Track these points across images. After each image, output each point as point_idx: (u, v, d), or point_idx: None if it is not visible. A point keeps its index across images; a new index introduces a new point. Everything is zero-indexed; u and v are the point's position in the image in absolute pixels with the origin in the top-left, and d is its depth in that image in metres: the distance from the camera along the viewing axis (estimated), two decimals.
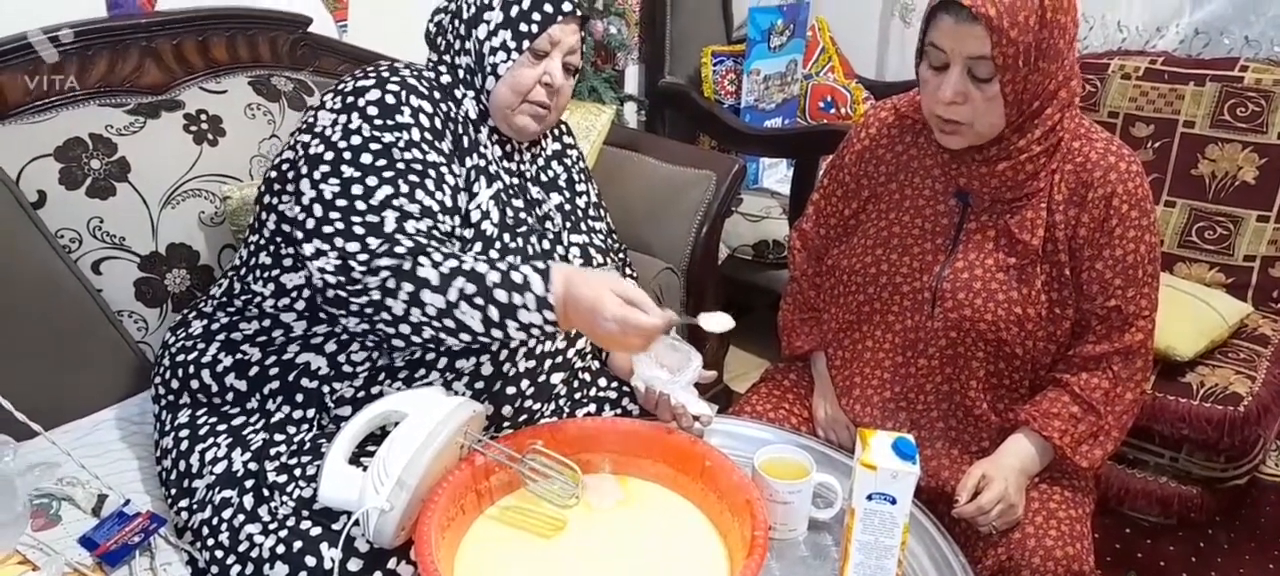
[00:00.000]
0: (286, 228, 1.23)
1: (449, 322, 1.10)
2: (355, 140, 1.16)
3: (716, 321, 1.14)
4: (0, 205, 1.36)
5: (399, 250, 1.11)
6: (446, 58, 1.29)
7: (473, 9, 1.26)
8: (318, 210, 1.14)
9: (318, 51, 1.82)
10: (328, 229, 1.12)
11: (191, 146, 1.54)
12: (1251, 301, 2.08)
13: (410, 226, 1.13)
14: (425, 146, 1.19)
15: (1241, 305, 2.03)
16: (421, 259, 1.10)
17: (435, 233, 1.16)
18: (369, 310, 1.11)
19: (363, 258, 1.10)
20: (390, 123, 1.17)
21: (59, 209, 1.40)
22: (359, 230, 1.12)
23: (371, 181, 1.14)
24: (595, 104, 2.24)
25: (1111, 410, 1.29)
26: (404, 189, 1.15)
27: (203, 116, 1.57)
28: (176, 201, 1.50)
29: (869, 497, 1.03)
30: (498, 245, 1.25)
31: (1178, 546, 1.93)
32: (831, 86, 2.77)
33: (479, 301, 1.09)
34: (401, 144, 1.17)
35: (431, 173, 1.19)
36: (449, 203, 1.21)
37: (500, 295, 1.09)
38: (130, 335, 1.48)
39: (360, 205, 1.13)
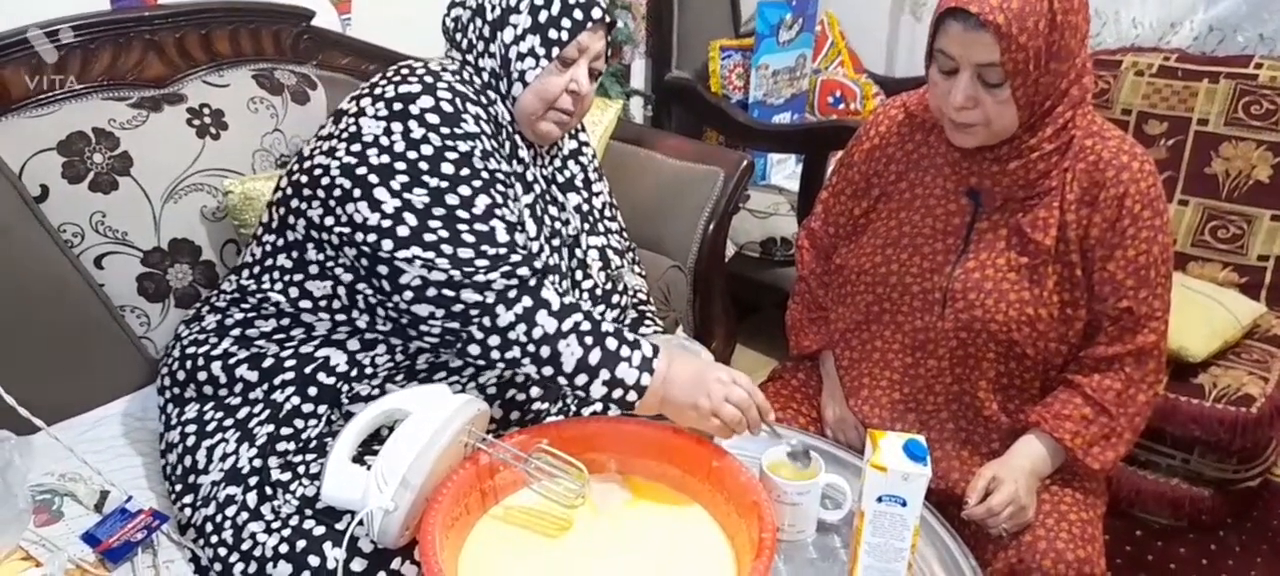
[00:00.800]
0: (317, 234, 1.21)
1: (545, 351, 1.10)
2: (426, 149, 1.14)
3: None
4: (3, 200, 1.35)
5: (525, 261, 1.11)
6: (469, 58, 1.27)
7: (497, 11, 1.23)
8: (410, 219, 1.11)
9: (321, 45, 1.81)
10: (430, 237, 1.11)
11: (194, 140, 1.53)
12: (1265, 302, 2.06)
13: (519, 237, 1.14)
14: (497, 156, 1.19)
15: (1255, 305, 2.02)
16: (549, 279, 1.12)
17: (531, 246, 1.15)
18: (474, 311, 1.09)
19: (482, 262, 1.10)
20: (458, 131, 1.16)
21: (61, 203, 1.40)
22: (469, 238, 1.11)
23: (464, 191, 1.13)
24: (601, 99, 2.23)
25: (1124, 412, 1.28)
26: (498, 198, 1.15)
27: (205, 110, 1.56)
28: (179, 196, 1.50)
29: (879, 499, 1.02)
30: (543, 257, 1.24)
31: (1189, 549, 1.92)
32: (840, 81, 2.76)
33: (588, 341, 1.11)
34: (478, 153, 1.16)
35: (511, 183, 1.19)
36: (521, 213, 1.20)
37: (610, 343, 1.11)
38: (133, 330, 1.47)
39: (461, 214, 1.12)
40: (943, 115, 1.24)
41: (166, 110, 1.53)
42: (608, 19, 1.26)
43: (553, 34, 1.22)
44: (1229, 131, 2.10)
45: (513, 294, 1.10)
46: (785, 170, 2.73)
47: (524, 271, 1.11)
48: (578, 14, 1.22)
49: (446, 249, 1.10)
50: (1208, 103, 2.12)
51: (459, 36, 1.28)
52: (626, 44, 2.57)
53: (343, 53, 1.84)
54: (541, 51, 1.22)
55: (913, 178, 1.35)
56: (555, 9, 1.22)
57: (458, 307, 1.10)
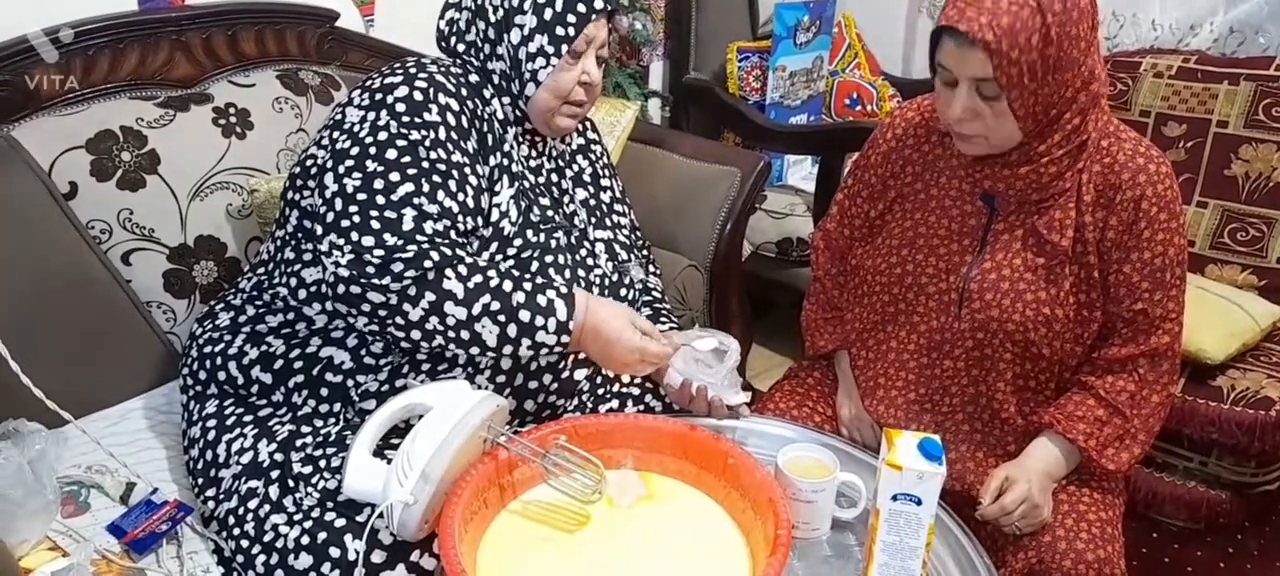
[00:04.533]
0: (307, 223, 1.23)
1: (465, 335, 1.13)
2: (381, 136, 1.16)
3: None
4: (33, 196, 1.38)
5: (420, 256, 1.11)
6: (474, 61, 1.28)
7: (500, 12, 1.24)
8: (338, 204, 1.14)
9: (345, 46, 1.83)
10: (345, 223, 1.13)
11: (220, 139, 1.55)
12: None
13: (428, 227, 1.14)
14: (450, 146, 1.19)
15: (1274, 308, 2.00)
16: (448, 271, 1.12)
17: (451, 234, 1.16)
18: (382, 312, 1.11)
19: (378, 254, 1.11)
20: (417, 120, 1.17)
21: (90, 200, 1.42)
22: (375, 225, 1.12)
23: (394, 177, 1.14)
24: (620, 100, 2.24)
25: (1138, 413, 1.28)
26: (426, 188, 1.15)
27: (231, 110, 1.58)
28: (205, 194, 1.52)
29: (894, 498, 1.02)
30: (516, 243, 1.25)
31: (1206, 552, 1.91)
32: (857, 83, 2.75)
33: (501, 318, 1.13)
34: (427, 142, 1.17)
35: (454, 173, 1.19)
36: (471, 203, 1.21)
37: (523, 315, 1.14)
38: (159, 325, 1.49)
39: (380, 200, 1.13)
40: (947, 125, 1.24)
41: (193, 110, 1.55)
42: (609, 7, 1.27)
43: (560, 31, 1.23)
44: (1249, 133, 2.09)
45: (413, 291, 1.11)
46: (801, 171, 2.73)
47: (414, 272, 1.11)
48: (582, 7, 1.23)
49: (352, 236, 1.12)
50: (1228, 104, 2.10)
51: (454, 39, 1.29)
52: (645, 46, 2.58)
53: (366, 54, 1.86)
54: (551, 49, 1.23)
55: (928, 179, 1.36)
56: (559, 5, 1.23)
57: (366, 307, 1.12)
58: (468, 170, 1.21)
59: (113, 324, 1.44)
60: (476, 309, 1.13)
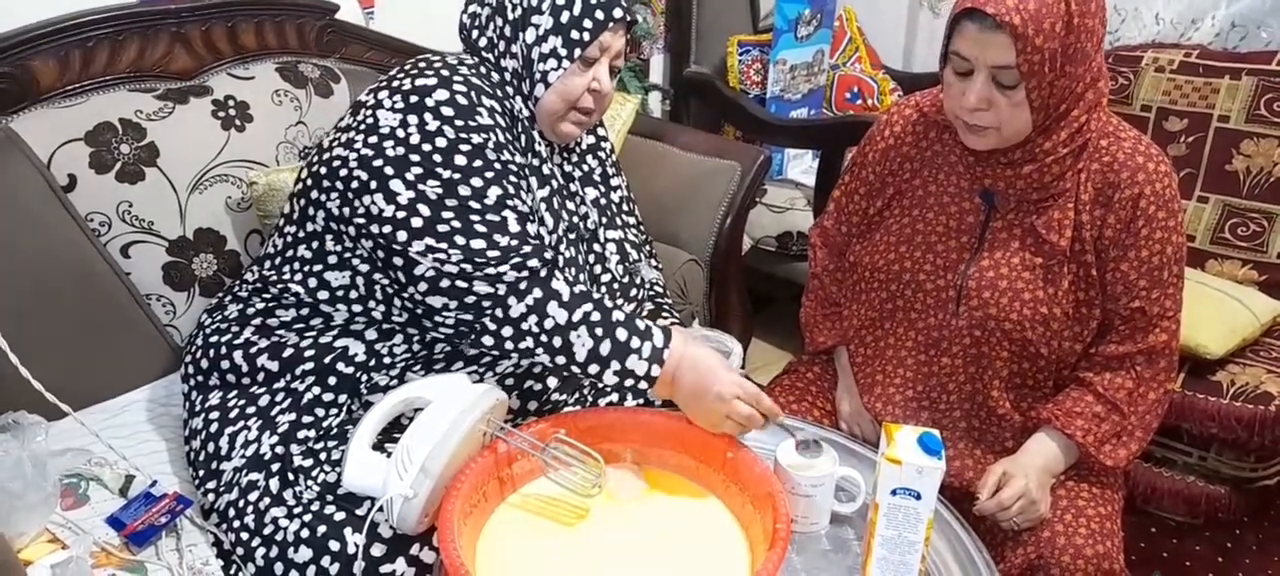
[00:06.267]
0: (335, 226, 1.22)
1: (557, 341, 1.11)
2: (441, 142, 1.15)
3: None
4: (31, 189, 1.37)
5: (536, 252, 1.12)
6: (489, 56, 1.27)
7: (518, 10, 1.23)
8: (424, 210, 1.13)
9: (344, 38, 1.82)
10: (443, 228, 1.12)
11: (219, 132, 1.55)
12: None
13: (531, 227, 1.14)
14: (511, 148, 1.20)
15: (1274, 303, 1.99)
16: (557, 273, 1.13)
17: (543, 236, 1.16)
18: (486, 303, 1.11)
19: (494, 253, 1.11)
20: (472, 123, 1.16)
21: (89, 193, 1.42)
22: (481, 228, 1.12)
23: (476, 182, 1.14)
24: (620, 93, 2.23)
25: (1135, 410, 1.28)
26: (511, 189, 1.16)
27: (230, 102, 1.58)
28: (204, 187, 1.52)
29: (893, 492, 1.02)
30: (554, 249, 1.25)
31: (1205, 546, 1.91)
32: (858, 77, 2.75)
33: (599, 331, 1.12)
34: (491, 145, 1.17)
35: (523, 175, 1.20)
36: (534, 205, 1.21)
37: (620, 334, 1.12)
38: (158, 318, 1.49)
39: (474, 205, 1.13)
40: (956, 118, 1.24)
41: (192, 102, 1.55)
42: (628, 18, 1.27)
43: (575, 35, 1.22)
44: (1250, 128, 2.08)
45: (523, 286, 1.11)
46: (802, 165, 2.72)
47: (534, 263, 1.12)
48: (599, 14, 1.23)
49: (459, 240, 1.11)
50: (1229, 99, 2.10)
51: (476, 34, 1.28)
52: (645, 39, 2.58)
53: (365, 46, 1.86)
54: (564, 52, 1.22)
55: (926, 176, 1.36)
56: (577, 9, 1.22)
57: (470, 299, 1.11)
58: (527, 170, 1.22)
59: (112, 316, 1.44)
60: (577, 315, 1.12)
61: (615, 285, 1.37)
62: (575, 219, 1.32)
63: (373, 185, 1.15)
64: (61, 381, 1.23)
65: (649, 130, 2.14)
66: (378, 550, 1.09)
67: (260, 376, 1.26)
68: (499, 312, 1.11)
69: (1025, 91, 1.15)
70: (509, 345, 1.13)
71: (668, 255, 1.87)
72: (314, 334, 1.25)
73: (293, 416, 1.22)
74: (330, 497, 1.14)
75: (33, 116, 1.43)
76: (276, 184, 1.51)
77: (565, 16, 1.22)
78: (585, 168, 1.40)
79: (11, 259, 1.33)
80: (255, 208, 1.55)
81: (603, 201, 1.40)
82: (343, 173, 1.19)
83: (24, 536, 1.11)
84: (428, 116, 1.15)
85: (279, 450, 1.19)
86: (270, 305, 1.29)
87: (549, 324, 1.11)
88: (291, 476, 1.16)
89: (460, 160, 1.14)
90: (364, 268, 1.22)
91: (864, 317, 1.43)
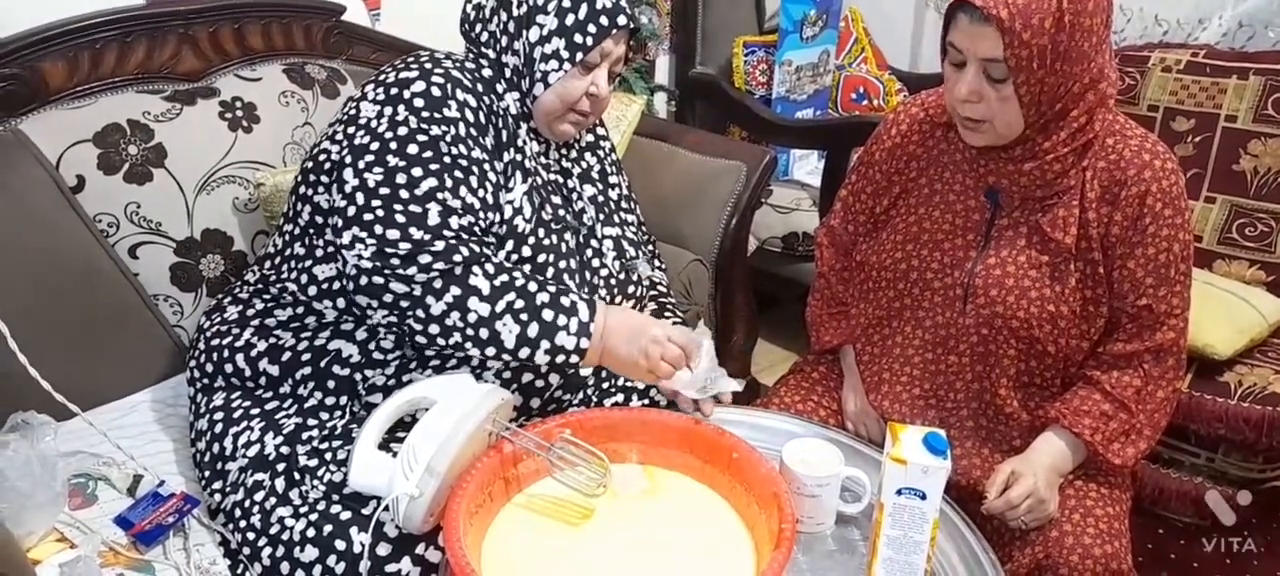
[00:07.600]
0: (320, 219, 1.24)
1: (484, 333, 1.12)
2: (402, 131, 1.16)
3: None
4: (40, 190, 1.38)
5: (448, 251, 1.11)
6: (489, 52, 1.28)
7: (524, 7, 1.24)
8: (360, 198, 1.14)
9: (351, 40, 1.83)
10: (368, 217, 1.13)
11: (226, 133, 1.56)
12: None
13: (453, 221, 1.14)
14: (470, 142, 1.19)
15: None
16: (475, 267, 1.13)
17: (475, 229, 1.16)
18: (404, 303, 1.11)
19: (404, 247, 1.11)
20: (437, 116, 1.17)
21: (97, 194, 1.43)
22: (400, 219, 1.12)
23: (416, 172, 1.14)
24: (626, 94, 2.24)
25: (1143, 408, 1.28)
26: (449, 183, 1.15)
27: (238, 104, 1.59)
28: (211, 188, 1.52)
29: (899, 492, 1.02)
30: (531, 242, 1.25)
31: (1212, 548, 1.90)
32: (864, 77, 2.75)
33: (523, 316, 1.12)
34: (449, 138, 1.17)
35: (475, 169, 1.19)
36: (490, 199, 1.21)
37: (546, 314, 1.13)
38: (166, 319, 1.50)
39: (403, 194, 1.13)
40: (953, 111, 1.24)
41: (200, 103, 1.55)
42: (631, 25, 1.27)
43: (578, 39, 1.22)
44: (1258, 128, 2.07)
45: (439, 284, 1.11)
46: (807, 166, 2.72)
47: (441, 266, 1.11)
48: (603, 20, 1.23)
49: (377, 229, 1.12)
50: (1236, 99, 2.09)
51: (479, 27, 1.29)
52: (651, 40, 2.58)
53: (372, 47, 1.86)
54: (566, 55, 1.23)
55: (932, 174, 1.36)
56: (582, 13, 1.22)
57: (388, 298, 1.12)
58: (486, 166, 1.21)
59: (120, 317, 1.45)
60: (500, 306, 1.12)
61: (612, 281, 1.37)
62: (562, 212, 1.32)
63: (335, 174, 1.18)
64: (70, 382, 1.24)
65: (654, 131, 2.14)
66: (383, 549, 1.09)
67: (263, 380, 1.27)
68: (420, 312, 1.12)
69: (1013, 86, 1.15)
70: (440, 342, 1.14)
71: (673, 256, 1.87)
72: (309, 334, 1.26)
73: (298, 420, 1.22)
74: (336, 497, 1.14)
75: (41, 118, 1.44)
76: (283, 185, 1.52)
77: (570, 20, 1.22)
78: (584, 165, 1.41)
79: (20, 260, 1.34)
80: (262, 208, 1.56)
81: (600, 198, 1.41)
82: (327, 165, 1.21)
83: (32, 535, 1.11)
84: (400, 108, 1.17)
85: (284, 450, 1.19)
86: (269, 305, 1.30)
87: (473, 317, 1.12)
88: (297, 476, 1.17)
89: (412, 149, 1.15)
90: None
91: (871, 316, 1.43)
